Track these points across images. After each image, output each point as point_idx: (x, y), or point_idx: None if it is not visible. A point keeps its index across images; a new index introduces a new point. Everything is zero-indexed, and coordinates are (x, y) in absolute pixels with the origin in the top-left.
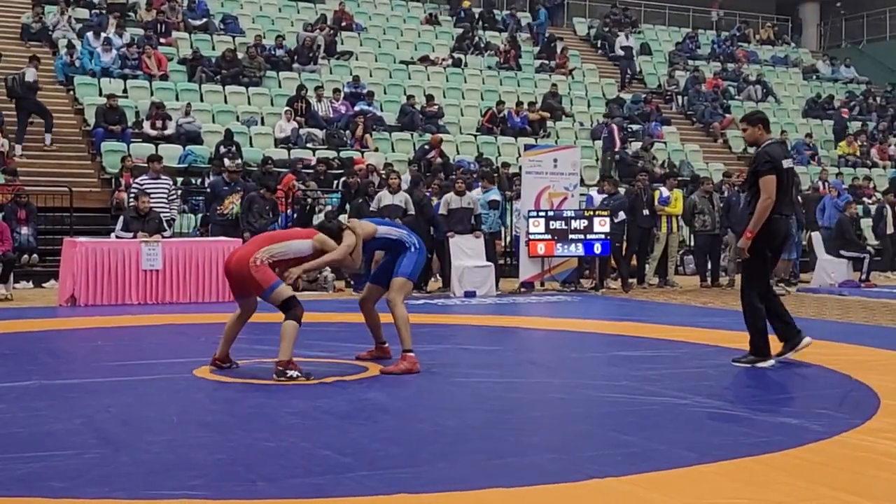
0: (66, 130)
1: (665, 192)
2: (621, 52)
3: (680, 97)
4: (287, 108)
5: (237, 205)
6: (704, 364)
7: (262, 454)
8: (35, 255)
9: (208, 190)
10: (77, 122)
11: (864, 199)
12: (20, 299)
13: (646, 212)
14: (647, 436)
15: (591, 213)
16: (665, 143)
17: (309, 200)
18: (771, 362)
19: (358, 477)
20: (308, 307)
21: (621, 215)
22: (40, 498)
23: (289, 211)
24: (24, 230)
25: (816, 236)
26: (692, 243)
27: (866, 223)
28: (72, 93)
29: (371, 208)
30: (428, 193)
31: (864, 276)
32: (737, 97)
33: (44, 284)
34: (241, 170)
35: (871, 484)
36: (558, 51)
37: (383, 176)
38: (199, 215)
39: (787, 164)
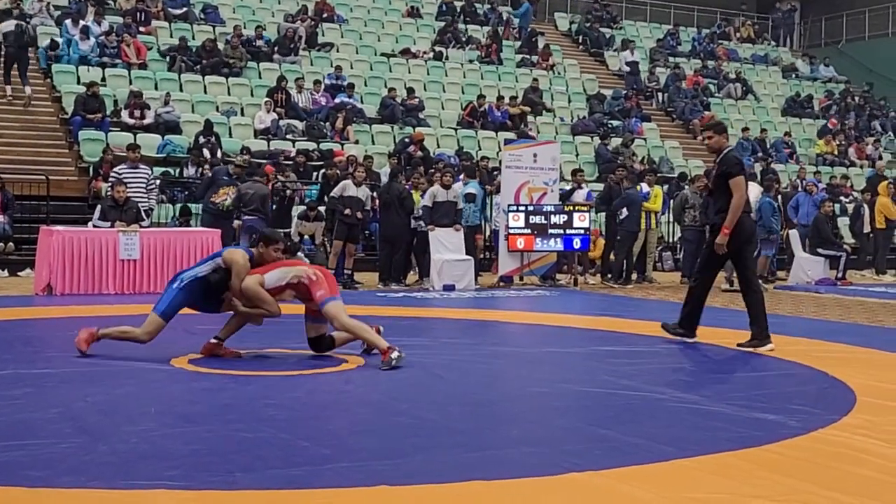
0: (43, 118)
1: (645, 188)
2: (627, 68)
3: (660, 94)
4: (267, 99)
5: (230, 197)
6: (682, 360)
7: (239, 445)
8: (11, 244)
9: (209, 175)
10: (55, 110)
11: (842, 198)
12: None
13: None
14: (626, 430)
15: (571, 208)
16: (645, 139)
17: (288, 192)
18: (770, 345)
19: (337, 468)
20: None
21: (624, 212)
22: (17, 487)
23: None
24: (0, 218)
25: (794, 234)
26: (678, 238)
27: (843, 222)
28: (49, 80)
29: (333, 194)
30: (407, 186)
31: (840, 275)
32: (717, 94)
33: (19, 273)
34: (248, 166)
35: (847, 479)
36: (540, 46)
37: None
38: (179, 205)
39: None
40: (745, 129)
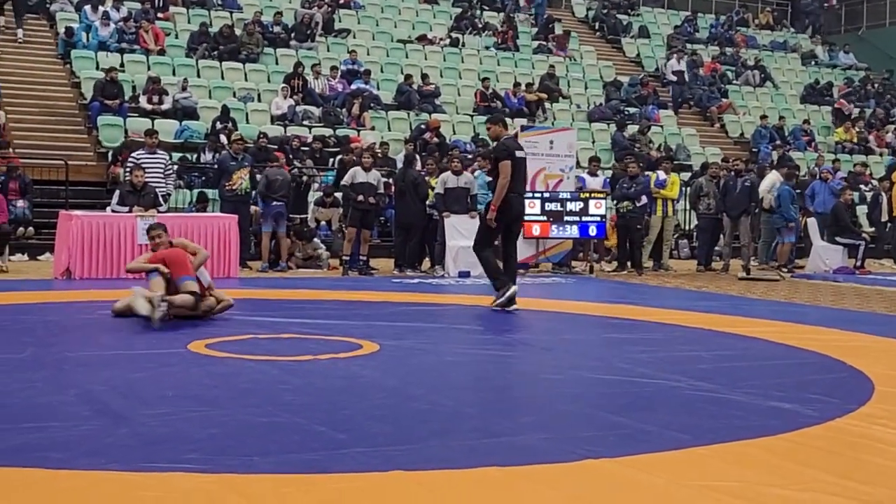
0: (62, 104)
1: (662, 175)
2: (673, 77)
3: (673, 85)
4: (284, 84)
5: (245, 179)
6: (698, 347)
7: (256, 429)
8: (31, 228)
9: (216, 166)
10: (74, 95)
11: (861, 187)
12: (15, 272)
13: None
14: (641, 417)
15: (587, 195)
16: (661, 126)
17: (304, 178)
18: (514, 288)
19: (353, 454)
20: (303, 285)
21: (643, 199)
22: (36, 468)
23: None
24: (20, 203)
25: (812, 222)
26: (694, 226)
27: (862, 210)
28: (69, 66)
29: (343, 183)
30: (423, 172)
31: (858, 263)
32: (735, 82)
33: (39, 257)
34: (244, 141)
35: (864, 468)
36: (556, 32)
37: (379, 154)
38: (196, 191)
39: (520, 154)
40: (763, 117)
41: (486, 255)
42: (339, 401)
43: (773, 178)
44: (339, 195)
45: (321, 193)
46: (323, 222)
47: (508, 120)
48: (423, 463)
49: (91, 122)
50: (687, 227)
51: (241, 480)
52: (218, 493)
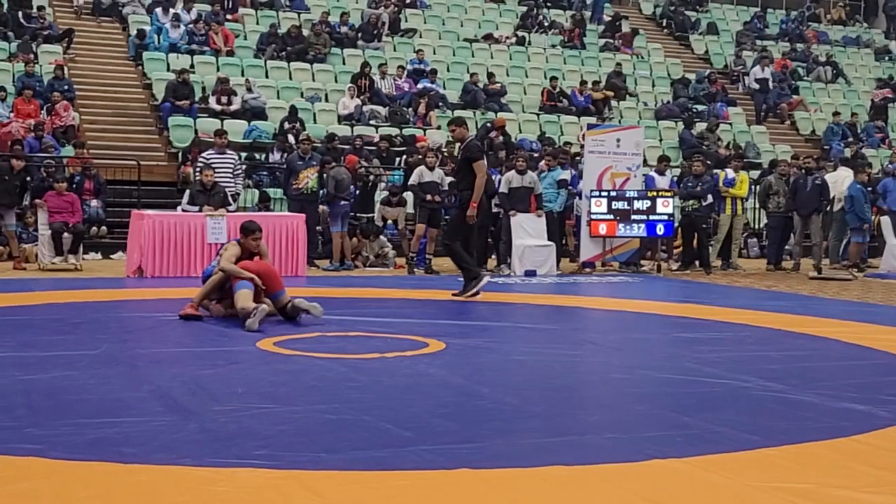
0: (134, 105)
1: (731, 173)
2: (756, 86)
3: (747, 78)
4: (351, 84)
5: (312, 179)
6: (767, 347)
7: (324, 426)
8: (104, 227)
9: (284, 166)
10: (145, 96)
11: None
12: (89, 270)
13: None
14: (709, 418)
15: (654, 193)
16: (731, 124)
17: (371, 178)
18: (487, 278)
19: (419, 451)
20: (369, 283)
21: (710, 198)
22: (111, 462)
23: (352, 188)
24: (94, 202)
25: (885, 220)
26: (763, 225)
27: None
28: (140, 68)
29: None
30: (493, 171)
31: None
32: (806, 78)
33: (112, 256)
34: (311, 141)
35: None
36: (623, 29)
37: (445, 153)
38: (262, 190)
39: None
40: (835, 114)
41: (456, 248)
42: (405, 398)
43: (842, 176)
44: (405, 194)
45: (387, 193)
46: (389, 221)
47: (574, 118)
48: (489, 461)
49: (162, 123)
50: (756, 226)
51: (309, 476)
52: (286, 489)
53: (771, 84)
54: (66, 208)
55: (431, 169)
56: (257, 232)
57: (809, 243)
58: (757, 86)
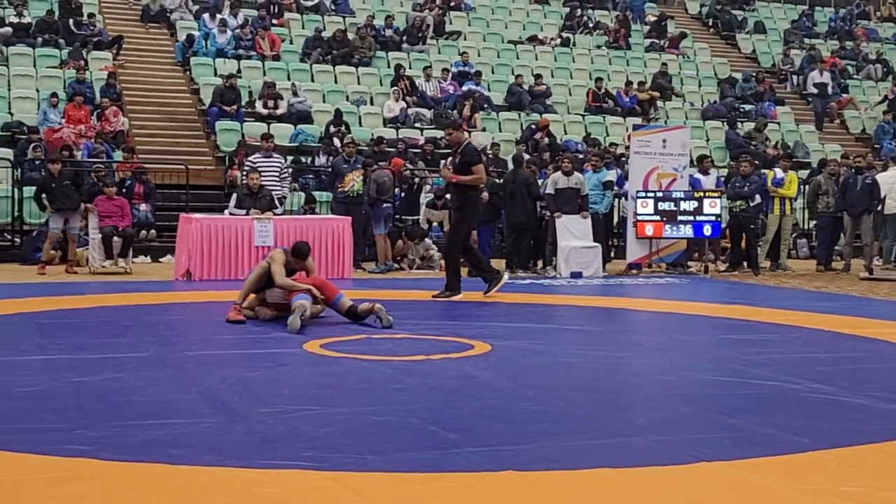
0: (182, 110)
1: (779, 173)
2: (814, 90)
3: (795, 76)
4: (395, 88)
5: (357, 182)
6: (817, 349)
7: (370, 428)
8: (153, 231)
9: (329, 169)
10: (193, 101)
11: None
12: (139, 273)
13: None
14: (757, 420)
15: (701, 194)
16: (779, 123)
17: (416, 180)
18: (460, 296)
19: (465, 453)
20: (415, 286)
21: (757, 198)
22: (160, 464)
23: (397, 190)
24: (143, 207)
25: None
26: (813, 225)
27: None
28: (188, 73)
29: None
30: (540, 173)
31: None
32: (855, 76)
33: (161, 259)
34: (356, 144)
35: None
36: (669, 29)
37: (490, 155)
38: (308, 193)
39: None
40: (886, 112)
41: (457, 255)
42: (451, 400)
43: (892, 175)
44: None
45: (432, 195)
46: (435, 223)
47: (620, 119)
48: (535, 463)
49: (209, 127)
50: (805, 227)
51: (355, 478)
52: (333, 491)
53: (830, 89)
54: (116, 212)
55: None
56: (309, 258)
57: (860, 244)
58: (815, 90)
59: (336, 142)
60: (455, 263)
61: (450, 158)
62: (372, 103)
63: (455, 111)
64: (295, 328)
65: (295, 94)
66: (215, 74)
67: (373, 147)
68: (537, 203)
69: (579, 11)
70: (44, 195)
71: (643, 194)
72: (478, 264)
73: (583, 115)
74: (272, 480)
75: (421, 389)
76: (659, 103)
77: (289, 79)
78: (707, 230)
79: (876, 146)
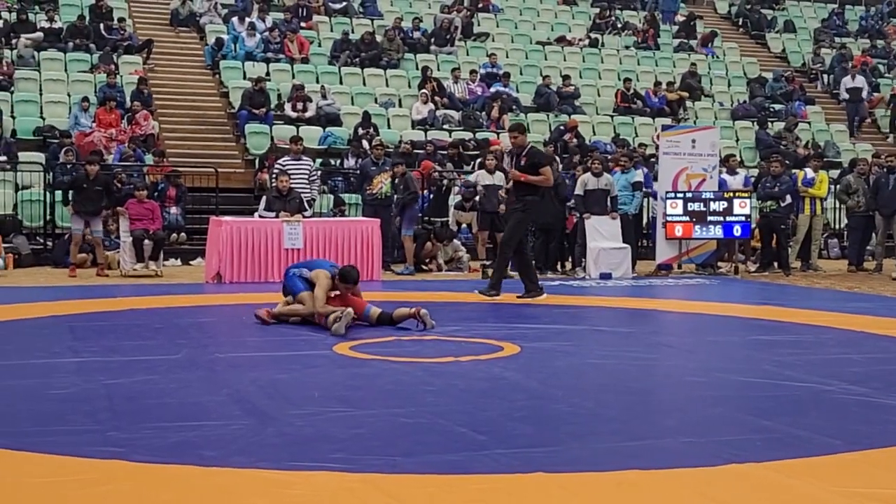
0: (211, 113)
1: (810, 173)
2: (846, 95)
3: (825, 76)
4: (423, 90)
5: (386, 184)
6: (849, 350)
7: (399, 430)
8: (183, 234)
9: (358, 171)
10: (222, 104)
11: None
12: (169, 276)
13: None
14: (789, 422)
15: (731, 195)
16: (809, 123)
17: (445, 182)
18: (544, 297)
19: (494, 455)
20: (444, 287)
21: (788, 199)
22: (191, 465)
23: (425, 192)
24: (174, 209)
25: None
26: (844, 225)
27: None
28: (217, 76)
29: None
30: (563, 174)
31: None
32: (887, 75)
33: (191, 262)
34: (385, 146)
35: None
36: (698, 29)
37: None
38: (337, 195)
39: None
40: None
41: (509, 255)
42: (480, 402)
43: None
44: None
45: (461, 197)
46: (464, 225)
47: (649, 119)
48: (564, 465)
49: (239, 131)
50: (837, 226)
51: (385, 480)
52: (363, 493)
53: (865, 93)
54: (147, 215)
55: (491, 172)
56: (357, 285)
57: (892, 243)
58: (847, 95)
59: (364, 144)
60: (504, 262)
61: (506, 160)
62: (400, 105)
63: (483, 113)
64: (339, 333)
65: (324, 96)
66: (244, 78)
67: (399, 150)
68: (565, 204)
69: (608, 12)
70: (70, 192)
71: (672, 195)
72: (526, 270)
73: (611, 116)
74: (302, 482)
75: (450, 391)
76: (688, 103)
77: (317, 81)
78: (737, 230)
79: None
